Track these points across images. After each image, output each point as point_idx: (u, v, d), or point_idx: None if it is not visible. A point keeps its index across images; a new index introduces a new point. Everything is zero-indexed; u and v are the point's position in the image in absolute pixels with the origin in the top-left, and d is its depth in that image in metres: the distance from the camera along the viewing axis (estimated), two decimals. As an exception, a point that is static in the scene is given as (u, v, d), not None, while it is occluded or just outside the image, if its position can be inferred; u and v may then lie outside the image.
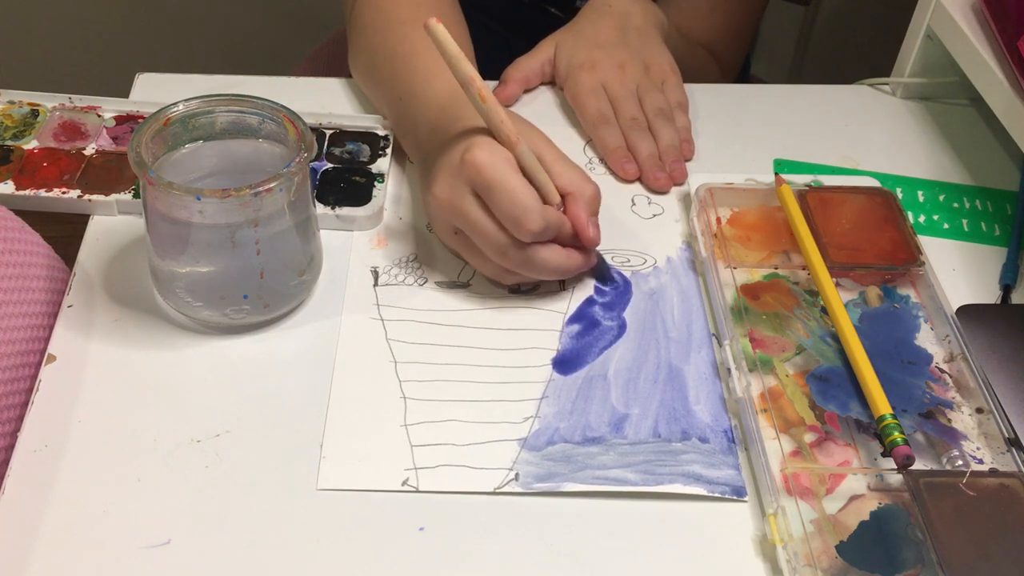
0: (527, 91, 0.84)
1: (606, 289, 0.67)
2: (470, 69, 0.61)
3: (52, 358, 0.61)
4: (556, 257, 0.63)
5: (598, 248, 0.66)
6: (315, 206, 0.65)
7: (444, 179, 0.63)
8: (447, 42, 0.60)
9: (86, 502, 0.54)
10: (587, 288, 0.67)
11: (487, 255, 0.63)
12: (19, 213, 0.66)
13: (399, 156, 0.77)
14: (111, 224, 0.70)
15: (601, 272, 0.68)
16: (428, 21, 0.59)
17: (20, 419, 0.58)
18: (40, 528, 0.53)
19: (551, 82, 0.84)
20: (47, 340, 0.62)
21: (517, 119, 0.65)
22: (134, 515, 0.54)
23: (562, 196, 0.64)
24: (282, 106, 0.62)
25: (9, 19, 1.74)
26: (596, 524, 0.55)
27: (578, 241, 0.64)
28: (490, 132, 0.62)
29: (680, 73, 0.81)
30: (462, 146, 0.62)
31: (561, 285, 0.67)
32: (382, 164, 0.74)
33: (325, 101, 0.82)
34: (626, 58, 0.79)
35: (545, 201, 0.63)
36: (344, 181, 0.73)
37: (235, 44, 1.81)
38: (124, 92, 0.80)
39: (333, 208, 0.70)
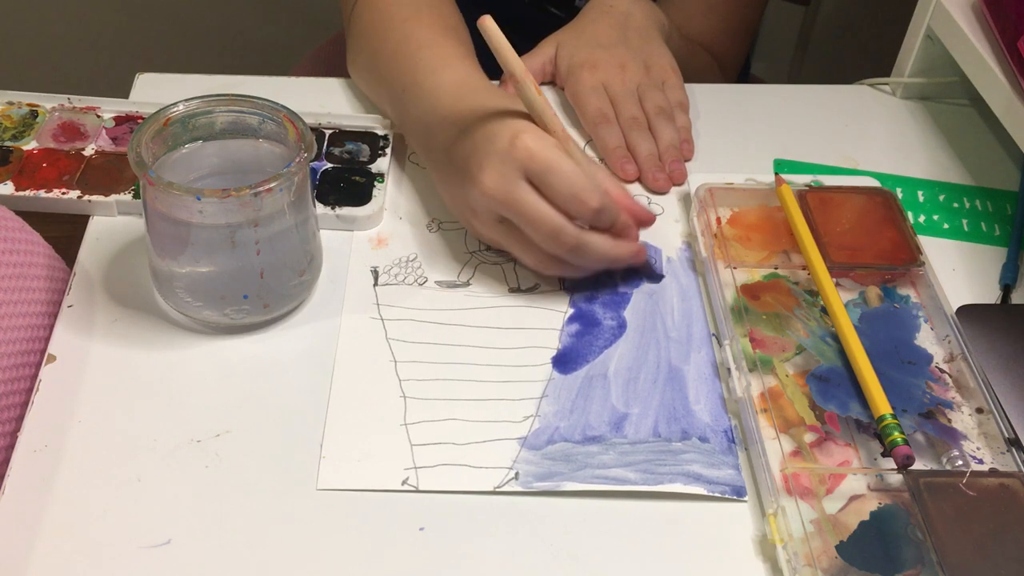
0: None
1: (655, 286, 0.68)
2: (523, 64, 0.62)
3: (52, 358, 0.61)
4: (607, 244, 0.64)
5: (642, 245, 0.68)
6: (315, 206, 0.65)
7: (492, 168, 0.62)
8: (499, 38, 0.61)
9: (86, 502, 0.54)
10: (586, 287, 0.67)
11: (538, 242, 0.63)
12: (19, 213, 0.66)
13: (399, 156, 0.77)
14: (111, 224, 0.70)
15: (650, 269, 0.69)
16: (483, 18, 0.61)
17: (20, 419, 0.58)
18: (40, 528, 0.53)
19: (552, 82, 0.84)
20: (47, 340, 0.62)
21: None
22: (134, 515, 0.54)
23: None
24: (282, 106, 0.62)
25: (9, 19, 1.74)
26: (596, 524, 0.55)
27: (628, 233, 0.65)
28: (528, 117, 0.64)
29: (681, 73, 0.81)
30: (506, 133, 0.62)
31: (561, 284, 0.68)
32: (382, 164, 0.74)
33: (325, 101, 0.82)
34: (627, 58, 0.79)
35: None
36: (344, 181, 0.73)
37: (235, 44, 1.81)
38: (124, 92, 0.80)
39: (333, 208, 0.70)
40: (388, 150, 0.76)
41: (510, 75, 0.62)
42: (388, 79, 0.75)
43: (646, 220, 0.67)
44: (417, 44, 0.73)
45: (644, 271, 0.68)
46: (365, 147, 0.76)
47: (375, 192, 0.72)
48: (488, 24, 0.61)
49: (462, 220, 0.68)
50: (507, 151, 0.62)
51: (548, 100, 0.64)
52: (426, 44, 0.73)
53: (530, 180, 0.62)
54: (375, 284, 0.67)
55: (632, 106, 0.78)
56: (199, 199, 0.56)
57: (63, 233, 0.71)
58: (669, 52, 0.82)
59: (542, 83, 0.84)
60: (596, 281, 0.68)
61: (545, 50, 0.83)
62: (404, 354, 0.63)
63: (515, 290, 0.67)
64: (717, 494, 0.56)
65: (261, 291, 0.61)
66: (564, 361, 0.63)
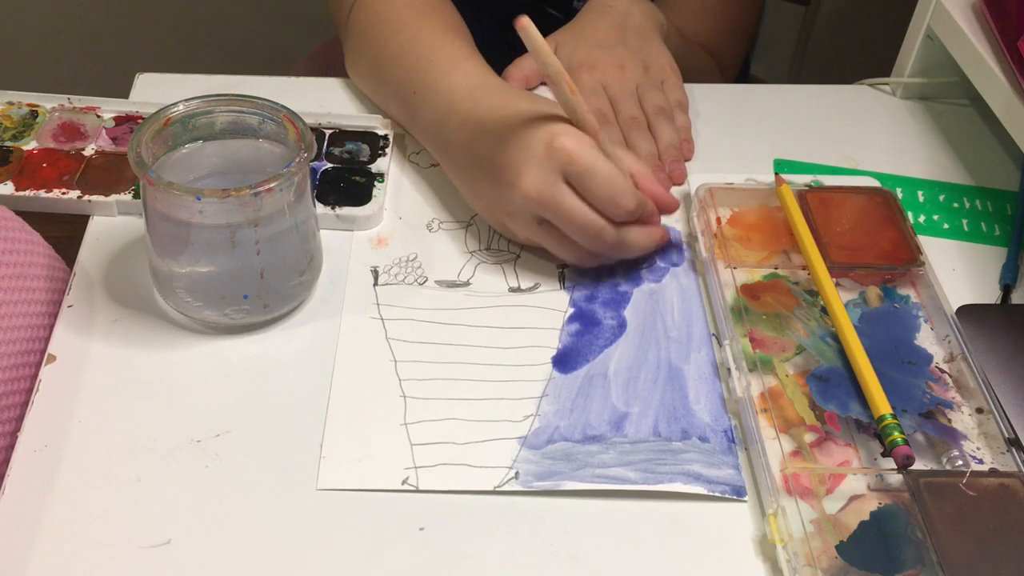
0: (527, 90, 0.84)
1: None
2: (558, 61, 0.62)
3: (52, 358, 0.61)
4: (643, 236, 0.66)
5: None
6: (315, 206, 0.65)
7: (531, 172, 0.63)
8: (537, 38, 0.61)
9: (86, 502, 0.54)
10: (586, 286, 0.67)
11: (579, 241, 0.64)
12: (19, 213, 0.66)
13: (399, 156, 0.77)
14: (111, 224, 0.70)
15: (671, 245, 0.71)
16: (520, 18, 0.60)
17: (20, 419, 0.58)
18: (40, 528, 0.53)
19: (551, 82, 0.84)
20: (47, 340, 0.62)
21: None
22: (134, 515, 0.54)
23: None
24: (282, 106, 0.62)
25: (9, 19, 1.74)
26: (596, 524, 0.55)
27: (652, 219, 0.67)
28: (558, 115, 0.64)
29: (680, 73, 0.81)
30: (542, 136, 0.63)
31: (561, 283, 0.68)
32: (382, 164, 0.74)
33: (325, 101, 0.82)
34: (626, 58, 0.79)
35: None
36: (344, 181, 0.73)
37: (235, 44, 1.81)
38: (124, 92, 0.80)
39: (333, 208, 0.70)
40: (388, 150, 0.76)
41: (545, 74, 0.63)
42: (395, 81, 0.75)
43: (670, 206, 0.68)
44: (423, 45, 0.73)
45: (667, 249, 0.70)
46: (365, 147, 0.76)
47: (375, 192, 0.72)
48: (527, 24, 0.61)
49: (493, 221, 0.69)
50: (546, 154, 0.62)
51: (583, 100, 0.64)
52: (433, 45, 0.73)
53: (568, 181, 0.63)
54: (375, 284, 0.67)
55: (631, 106, 0.78)
56: (199, 199, 0.56)
57: (63, 233, 0.71)
58: (668, 52, 0.82)
59: (541, 84, 0.84)
60: (596, 280, 0.68)
61: (544, 50, 0.83)
62: (404, 354, 0.63)
63: (515, 289, 0.67)
64: (717, 494, 0.56)
65: (261, 291, 0.61)
66: (564, 360, 0.63)
